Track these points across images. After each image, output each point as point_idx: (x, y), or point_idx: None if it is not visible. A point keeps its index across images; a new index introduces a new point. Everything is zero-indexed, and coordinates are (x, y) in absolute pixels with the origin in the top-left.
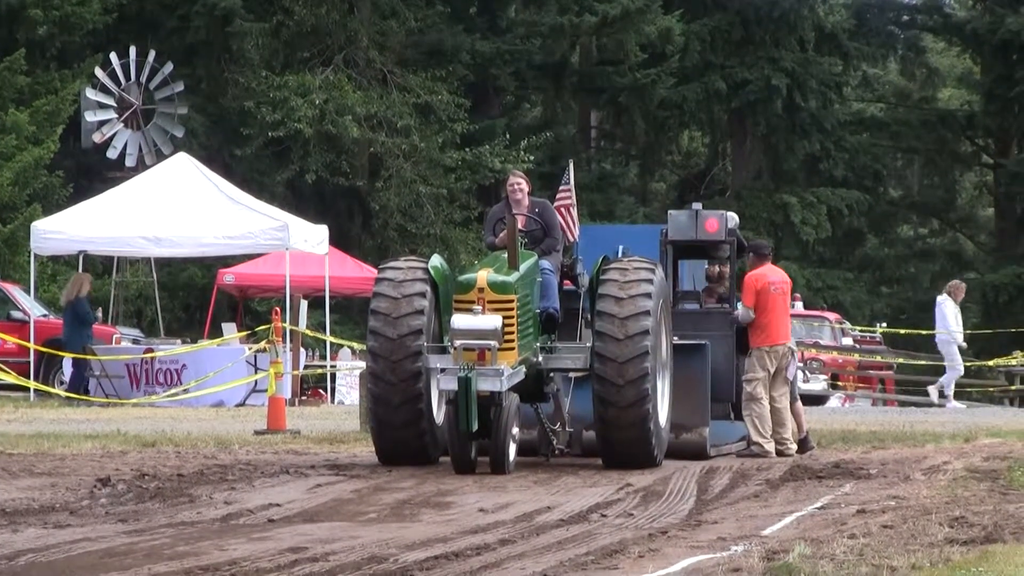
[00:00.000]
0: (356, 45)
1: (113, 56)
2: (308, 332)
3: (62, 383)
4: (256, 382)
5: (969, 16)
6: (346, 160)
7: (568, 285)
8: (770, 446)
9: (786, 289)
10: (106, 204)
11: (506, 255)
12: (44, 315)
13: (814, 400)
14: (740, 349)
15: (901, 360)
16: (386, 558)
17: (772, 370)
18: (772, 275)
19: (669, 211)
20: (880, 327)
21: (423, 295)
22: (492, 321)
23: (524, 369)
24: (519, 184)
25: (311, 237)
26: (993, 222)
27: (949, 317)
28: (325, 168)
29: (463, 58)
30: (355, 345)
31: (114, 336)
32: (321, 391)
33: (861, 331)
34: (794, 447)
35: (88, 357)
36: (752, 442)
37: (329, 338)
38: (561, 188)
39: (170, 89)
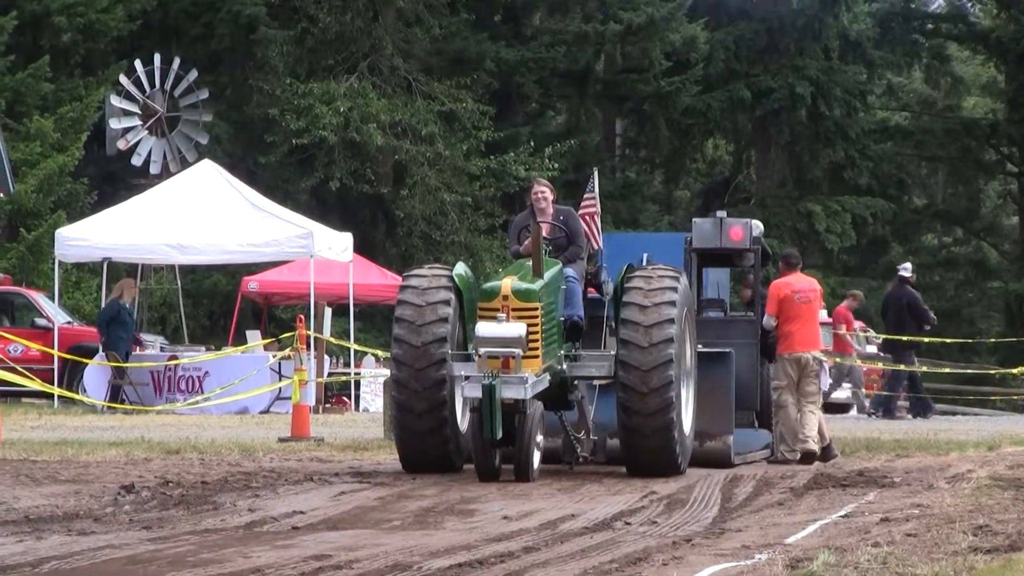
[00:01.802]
0: (380, 53)
1: (138, 63)
2: (332, 340)
3: (84, 390)
4: (280, 389)
5: (993, 25)
6: (370, 168)
7: (592, 293)
8: (792, 455)
9: (812, 298)
10: (130, 211)
11: (530, 263)
12: (68, 322)
13: (838, 408)
14: (768, 356)
15: (925, 368)
16: (410, 566)
17: (795, 378)
18: (797, 283)
19: (693, 219)
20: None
21: (447, 303)
22: (516, 329)
23: (548, 377)
24: (543, 192)
25: (335, 245)
26: (1017, 231)
27: None
28: (349, 176)
29: (488, 66)
30: (379, 353)
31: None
32: (345, 399)
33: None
34: (816, 446)
35: (110, 364)
36: (775, 449)
37: (353, 345)
38: (585, 196)
39: (195, 96)
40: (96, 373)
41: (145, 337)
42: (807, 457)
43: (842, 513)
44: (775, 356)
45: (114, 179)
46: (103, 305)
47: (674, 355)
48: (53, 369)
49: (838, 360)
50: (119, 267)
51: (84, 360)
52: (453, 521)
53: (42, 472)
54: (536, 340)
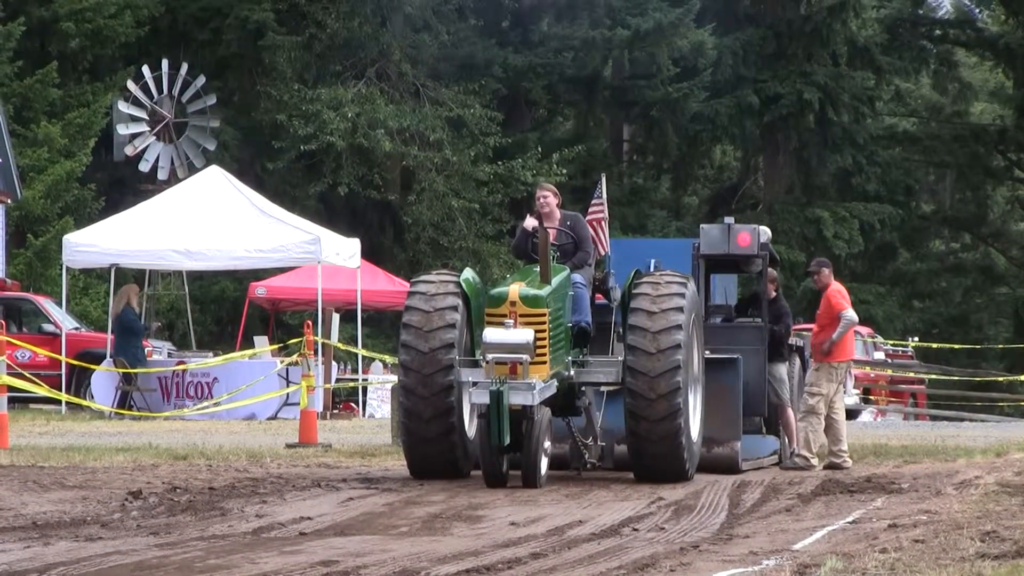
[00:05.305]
0: (388, 58)
1: (145, 69)
2: (340, 345)
3: (91, 396)
4: (288, 395)
5: (1002, 31)
6: (378, 173)
7: (600, 299)
8: (815, 461)
9: None
10: (138, 217)
11: (538, 269)
12: (76, 328)
13: (846, 414)
14: (779, 358)
15: (933, 375)
16: (418, 572)
17: (836, 386)
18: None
19: (701, 225)
20: (912, 341)
21: (455, 309)
22: (524, 335)
23: (556, 383)
24: (546, 197)
25: (343, 250)
26: None
27: None
28: (357, 181)
29: (495, 72)
30: (387, 359)
31: (146, 349)
32: (353, 404)
33: (893, 345)
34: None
35: (118, 370)
36: (798, 454)
37: (361, 351)
38: (593, 202)
39: (202, 102)
40: (104, 379)
41: (152, 343)
42: (839, 467)
43: (850, 519)
44: (802, 360)
45: (122, 185)
46: (111, 311)
47: (682, 361)
48: (61, 375)
49: None
50: (127, 273)
51: (92, 366)
52: (461, 527)
53: (49, 478)
54: (544, 346)
